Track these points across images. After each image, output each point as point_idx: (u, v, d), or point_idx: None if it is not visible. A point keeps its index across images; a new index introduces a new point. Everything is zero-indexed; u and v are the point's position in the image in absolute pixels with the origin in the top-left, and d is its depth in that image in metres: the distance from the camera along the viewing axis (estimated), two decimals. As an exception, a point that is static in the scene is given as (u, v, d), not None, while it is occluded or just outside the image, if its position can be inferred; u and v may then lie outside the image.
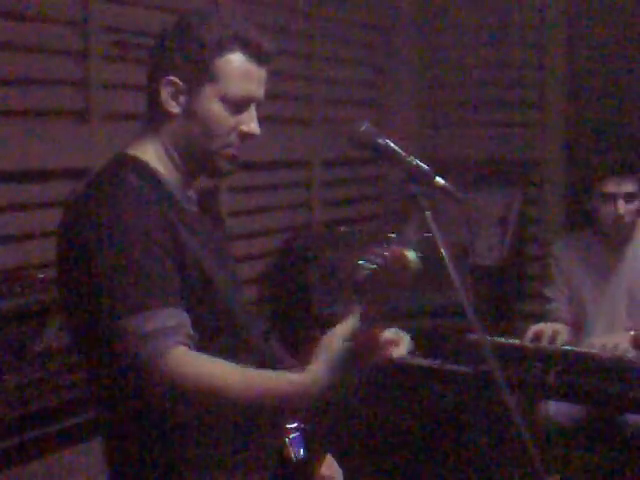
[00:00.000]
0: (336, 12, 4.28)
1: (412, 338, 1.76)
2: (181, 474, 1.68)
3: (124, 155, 1.76)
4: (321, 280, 3.64)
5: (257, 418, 1.69)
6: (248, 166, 3.80)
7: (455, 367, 2.98)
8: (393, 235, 1.50)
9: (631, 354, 2.93)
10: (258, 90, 1.77)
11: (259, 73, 1.76)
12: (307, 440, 1.74)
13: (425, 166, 1.73)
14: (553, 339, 3.06)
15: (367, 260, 1.49)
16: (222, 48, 1.71)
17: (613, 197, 3.22)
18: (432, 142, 4.72)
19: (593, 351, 2.98)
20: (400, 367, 3.12)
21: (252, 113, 1.76)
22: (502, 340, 3.09)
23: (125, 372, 1.56)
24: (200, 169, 1.80)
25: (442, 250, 1.68)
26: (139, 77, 3.07)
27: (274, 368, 1.76)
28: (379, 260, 1.47)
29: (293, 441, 1.75)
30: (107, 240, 1.58)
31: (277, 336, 2.02)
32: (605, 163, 3.31)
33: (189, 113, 1.73)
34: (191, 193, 1.82)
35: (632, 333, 3.03)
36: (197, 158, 1.77)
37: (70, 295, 1.68)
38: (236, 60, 1.73)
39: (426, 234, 1.66)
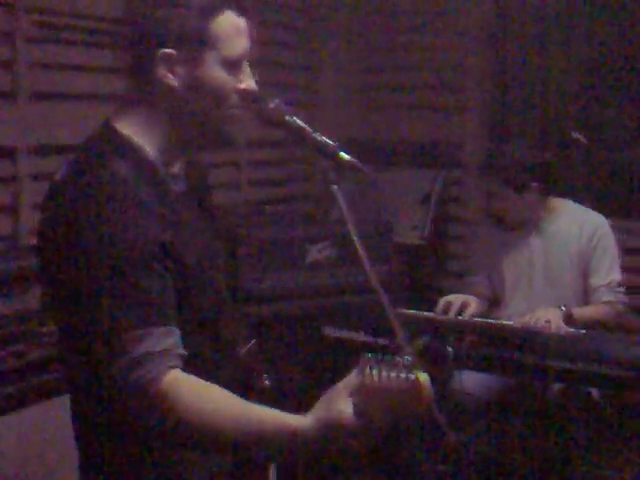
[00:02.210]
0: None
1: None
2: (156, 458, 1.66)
3: (111, 131, 1.66)
4: (249, 257, 3.72)
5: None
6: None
7: (377, 340, 3.09)
8: (408, 359, 1.40)
9: (563, 329, 3.06)
10: (248, 43, 1.71)
11: (245, 25, 1.70)
12: None
13: (331, 142, 1.75)
14: (461, 310, 3.18)
15: (376, 373, 1.40)
16: (214, 11, 1.63)
17: (501, 197, 3.33)
18: (359, 124, 4.83)
19: (504, 322, 3.12)
20: (324, 339, 3.25)
21: (247, 69, 1.71)
22: (414, 312, 3.21)
23: (112, 388, 1.52)
24: (204, 140, 1.73)
25: (349, 226, 1.72)
26: (65, 57, 3.16)
27: (249, 383, 1.76)
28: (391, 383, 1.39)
29: None
30: (98, 250, 1.51)
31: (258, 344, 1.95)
32: (495, 165, 3.38)
33: (190, 84, 1.64)
34: (178, 169, 1.74)
35: (563, 309, 3.15)
36: (202, 128, 1.69)
37: (56, 289, 1.62)
38: (228, 19, 1.65)
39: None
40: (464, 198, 4.73)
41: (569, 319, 3.14)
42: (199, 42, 1.62)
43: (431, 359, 2.97)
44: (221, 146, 1.77)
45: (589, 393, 3.20)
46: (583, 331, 3.03)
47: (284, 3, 4.53)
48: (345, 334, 3.20)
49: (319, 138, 1.75)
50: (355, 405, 1.42)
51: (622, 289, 3.36)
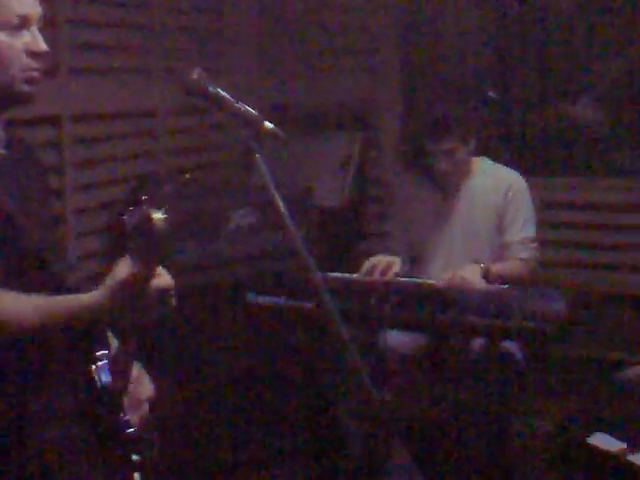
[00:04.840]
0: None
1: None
2: None
3: None
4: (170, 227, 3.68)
5: (62, 343, 1.77)
6: (92, 116, 3.81)
7: (298, 304, 3.12)
8: (145, 197, 1.61)
9: (483, 285, 3.12)
10: (33, 8, 1.81)
11: None
12: (113, 366, 1.83)
13: (253, 111, 1.79)
14: (386, 271, 3.22)
15: (126, 217, 1.61)
16: None
17: (433, 154, 3.34)
18: (274, 89, 4.81)
19: (428, 281, 3.17)
20: (248, 306, 3.27)
21: (35, 32, 1.81)
22: (338, 275, 3.23)
23: None
24: (5, 101, 1.84)
25: (273, 192, 1.77)
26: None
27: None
28: (132, 219, 1.59)
29: (100, 367, 1.82)
30: None
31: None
32: (423, 122, 3.42)
33: None
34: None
35: (482, 266, 3.20)
36: (2, 92, 1.80)
37: None
38: None
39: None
40: (383, 160, 4.76)
41: (487, 275, 3.19)
42: None
43: (356, 320, 3.01)
44: (21, 104, 1.85)
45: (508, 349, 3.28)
46: (504, 286, 3.10)
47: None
48: (269, 300, 3.22)
49: (241, 107, 1.79)
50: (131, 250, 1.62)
51: (535, 245, 3.42)
